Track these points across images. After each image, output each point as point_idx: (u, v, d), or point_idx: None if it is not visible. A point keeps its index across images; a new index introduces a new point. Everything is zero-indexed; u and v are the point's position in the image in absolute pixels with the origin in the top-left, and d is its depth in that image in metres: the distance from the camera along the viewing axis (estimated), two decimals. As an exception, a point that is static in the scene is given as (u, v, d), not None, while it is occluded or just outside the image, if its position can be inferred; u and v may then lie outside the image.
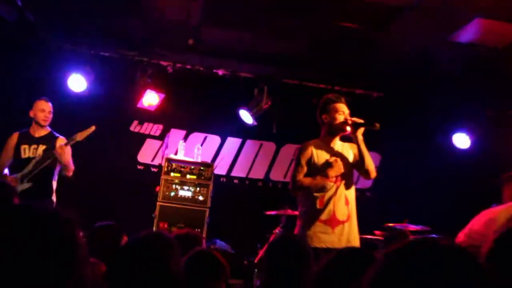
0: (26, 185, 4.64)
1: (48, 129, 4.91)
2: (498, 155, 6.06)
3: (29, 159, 4.73)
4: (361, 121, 3.75)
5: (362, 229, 3.98)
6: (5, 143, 4.87)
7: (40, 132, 4.86)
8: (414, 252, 1.05)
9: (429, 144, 6.97)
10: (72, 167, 4.74)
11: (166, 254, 1.89)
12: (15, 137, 4.86)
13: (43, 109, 4.87)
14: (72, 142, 4.65)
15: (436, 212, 6.37)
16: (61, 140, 4.85)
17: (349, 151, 3.88)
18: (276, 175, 7.38)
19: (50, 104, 4.92)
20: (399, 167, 7.25)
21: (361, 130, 3.75)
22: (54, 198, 4.82)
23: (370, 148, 7.08)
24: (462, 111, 6.68)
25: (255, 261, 5.73)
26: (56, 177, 4.84)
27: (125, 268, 1.80)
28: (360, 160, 3.74)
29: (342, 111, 3.79)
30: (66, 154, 4.63)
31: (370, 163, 3.74)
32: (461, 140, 6.70)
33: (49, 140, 4.85)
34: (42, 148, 4.79)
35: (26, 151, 4.78)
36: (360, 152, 3.72)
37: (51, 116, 4.90)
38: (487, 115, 6.59)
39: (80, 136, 4.65)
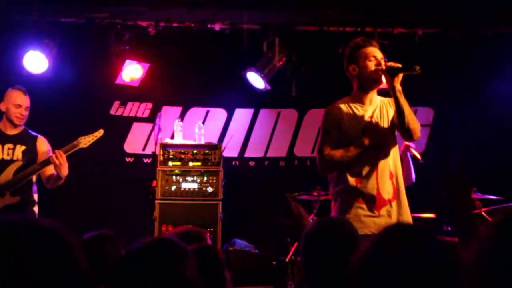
0: (10, 200, 4.65)
1: (23, 126, 4.88)
2: None
3: (3, 162, 4.73)
4: (398, 65, 3.65)
5: (414, 206, 3.94)
6: None
7: (13, 130, 4.84)
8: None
9: (491, 86, 6.93)
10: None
11: (179, 266, 1.86)
12: None
13: (19, 104, 4.79)
14: (74, 150, 4.64)
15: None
16: (42, 141, 4.85)
17: (390, 109, 3.82)
18: (302, 150, 7.35)
19: (27, 98, 4.83)
20: (459, 122, 7.19)
21: (399, 78, 3.67)
22: (36, 209, 4.88)
23: (420, 102, 7.19)
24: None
25: (287, 259, 5.75)
26: (36, 188, 4.86)
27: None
28: (398, 116, 3.67)
29: (374, 57, 3.72)
30: (66, 165, 4.61)
31: (413, 121, 3.66)
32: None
33: (27, 140, 4.83)
34: (20, 149, 4.77)
35: None
36: (399, 106, 3.64)
37: (27, 113, 4.83)
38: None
39: (85, 142, 4.65)
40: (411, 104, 7.20)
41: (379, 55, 3.74)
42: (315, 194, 5.92)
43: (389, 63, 3.66)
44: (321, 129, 3.83)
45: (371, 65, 3.71)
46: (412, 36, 6.80)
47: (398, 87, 3.64)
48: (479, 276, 1.07)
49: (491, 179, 6.37)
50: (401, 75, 3.66)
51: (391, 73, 3.64)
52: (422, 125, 7.29)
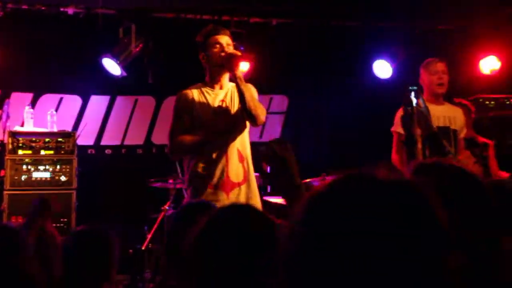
0: None
1: None
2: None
3: None
4: (237, 53, 3.82)
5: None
6: None
7: None
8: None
9: (347, 78, 7.26)
10: None
11: (14, 252, 1.81)
12: None
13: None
14: None
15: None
16: None
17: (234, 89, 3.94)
18: (160, 138, 7.33)
19: None
20: (313, 110, 7.50)
21: (238, 65, 3.81)
22: None
23: (275, 90, 7.40)
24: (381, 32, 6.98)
25: (143, 248, 5.72)
26: None
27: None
28: (241, 102, 3.80)
29: (220, 44, 3.83)
30: None
31: (255, 107, 3.80)
32: (383, 68, 6.99)
33: None
34: None
35: None
36: (240, 92, 3.78)
37: None
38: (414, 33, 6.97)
39: None
40: (267, 92, 7.46)
41: (225, 41, 3.85)
42: (171, 181, 5.92)
43: (229, 51, 3.79)
44: (172, 113, 3.88)
45: (216, 52, 3.81)
46: (267, 26, 6.98)
47: (238, 73, 3.78)
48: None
49: (342, 167, 6.68)
50: (240, 63, 3.79)
51: (229, 60, 3.75)
52: (277, 113, 7.66)
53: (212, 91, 3.88)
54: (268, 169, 4.65)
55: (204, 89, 3.89)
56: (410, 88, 3.26)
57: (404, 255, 0.84)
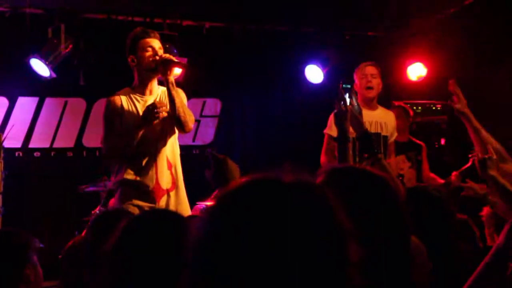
0: None
1: None
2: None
3: None
4: (172, 58, 3.83)
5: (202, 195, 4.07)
6: None
7: None
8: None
9: (279, 82, 7.35)
10: None
11: None
12: None
13: None
14: None
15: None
16: None
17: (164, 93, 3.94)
18: (90, 140, 7.22)
19: None
20: (245, 114, 7.56)
21: (172, 70, 3.83)
22: None
23: (208, 94, 7.42)
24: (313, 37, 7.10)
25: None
26: None
27: None
28: (170, 107, 3.80)
29: (151, 47, 3.82)
30: None
31: (184, 113, 3.81)
32: (314, 73, 7.10)
33: None
34: None
35: None
36: (171, 97, 3.80)
37: None
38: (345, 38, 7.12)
39: None
40: (200, 95, 7.46)
41: (158, 45, 3.84)
42: (102, 184, 5.85)
43: (164, 55, 3.78)
44: (102, 119, 3.84)
45: (148, 56, 3.78)
46: (200, 29, 6.99)
47: (170, 79, 3.79)
48: None
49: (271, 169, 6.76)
50: (174, 68, 3.81)
51: (164, 65, 3.75)
52: (210, 116, 7.66)
53: (141, 97, 3.87)
54: (209, 176, 4.68)
55: (133, 96, 3.86)
56: (343, 86, 3.31)
57: (306, 255, 0.88)
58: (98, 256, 2.53)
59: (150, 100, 3.86)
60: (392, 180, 1.54)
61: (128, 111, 3.80)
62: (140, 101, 3.85)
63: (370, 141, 3.17)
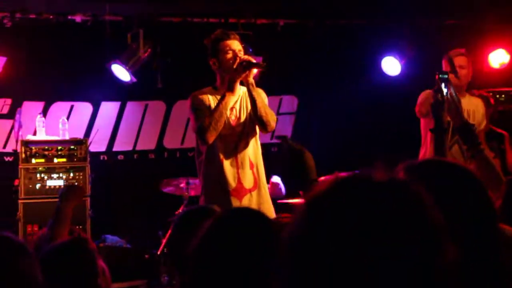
0: None
1: None
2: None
3: None
4: (251, 59, 3.83)
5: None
6: None
7: None
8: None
9: (355, 76, 7.27)
10: None
11: (15, 262, 1.84)
12: None
13: None
14: None
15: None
16: None
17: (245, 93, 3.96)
18: (171, 142, 7.37)
19: None
20: (322, 110, 7.51)
21: (251, 71, 3.83)
22: None
23: (285, 91, 7.42)
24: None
25: (158, 252, 5.75)
26: None
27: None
28: (252, 108, 3.82)
29: (232, 50, 3.83)
30: None
31: (265, 113, 3.82)
32: (391, 65, 6.98)
33: None
34: None
35: None
36: (252, 98, 3.81)
37: None
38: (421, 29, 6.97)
39: None
40: (276, 93, 7.47)
41: (238, 47, 3.85)
42: (183, 186, 5.95)
43: (243, 57, 3.78)
44: (190, 112, 3.89)
45: (229, 58, 3.81)
46: (274, 27, 7.00)
47: (250, 80, 3.79)
48: None
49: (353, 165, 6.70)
50: (254, 70, 3.80)
51: (245, 67, 3.76)
52: (287, 113, 7.67)
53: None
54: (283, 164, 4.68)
55: (216, 96, 3.89)
56: (440, 76, 3.21)
57: (401, 257, 0.86)
58: (183, 255, 2.58)
59: (231, 100, 3.89)
60: (498, 175, 1.50)
61: (215, 104, 3.85)
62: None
63: (471, 132, 3.05)
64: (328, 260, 0.88)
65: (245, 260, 1.51)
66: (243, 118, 3.88)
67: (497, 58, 6.89)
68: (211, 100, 3.86)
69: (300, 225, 0.95)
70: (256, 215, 1.72)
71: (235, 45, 3.85)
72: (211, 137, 3.76)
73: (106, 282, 2.47)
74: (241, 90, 3.95)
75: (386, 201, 0.91)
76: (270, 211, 3.88)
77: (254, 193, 3.85)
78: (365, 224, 0.88)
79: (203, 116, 3.78)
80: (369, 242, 0.87)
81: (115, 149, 7.23)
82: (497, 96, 6.32)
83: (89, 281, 2.42)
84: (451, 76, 4.53)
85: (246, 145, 3.87)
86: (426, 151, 4.77)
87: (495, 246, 1.38)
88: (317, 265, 0.89)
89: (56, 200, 5.74)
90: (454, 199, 1.37)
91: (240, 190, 3.80)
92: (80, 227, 5.77)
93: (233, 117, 3.87)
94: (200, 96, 3.88)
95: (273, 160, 4.98)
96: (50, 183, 5.99)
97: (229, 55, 3.81)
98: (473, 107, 4.90)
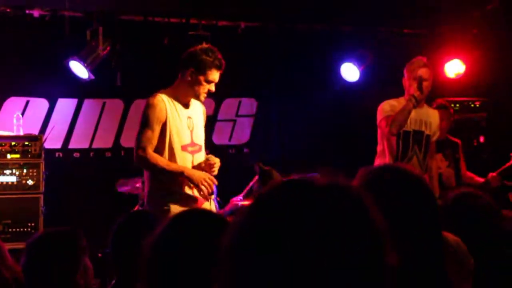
0: None
1: None
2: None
3: None
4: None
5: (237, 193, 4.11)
6: None
7: None
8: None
9: (314, 81, 7.34)
10: None
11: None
12: None
13: None
14: None
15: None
16: None
17: (201, 109, 4.05)
18: (128, 141, 7.27)
19: None
20: (281, 113, 7.57)
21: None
22: None
23: (244, 94, 7.44)
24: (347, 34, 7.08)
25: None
26: None
27: None
28: None
29: (214, 83, 3.95)
30: None
31: None
32: (350, 71, 7.06)
33: None
34: None
35: None
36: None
37: None
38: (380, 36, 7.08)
39: None
40: (236, 95, 7.49)
41: (217, 79, 3.95)
42: (139, 185, 5.92)
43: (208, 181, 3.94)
44: (143, 117, 3.88)
45: (205, 88, 3.93)
46: (235, 29, 7.02)
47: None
48: None
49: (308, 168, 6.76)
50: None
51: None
52: (246, 116, 7.69)
53: (184, 101, 3.98)
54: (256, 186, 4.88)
55: (176, 97, 3.95)
56: None
57: (342, 259, 0.88)
58: (123, 259, 2.56)
59: (189, 108, 4.03)
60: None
61: (172, 113, 3.92)
62: (183, 111, 4.00)
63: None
64: (269, 259, 0.89)
65: (199, 261, 1.51)
66: (197, 129, 4.14)
67: (453, 68, 7.04)
68: (168, 109, 3.91)
69: (244, 223, 0.97)
70: (212, 215, 1.73)
71: (217, 78, 3.92)
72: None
73: (86, 280, 2.46)
74: (197, 102, 4.10)
75: (322, 204, 0.93)
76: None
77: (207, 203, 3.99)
78: (304, 225, 0.90)
79: (149, 139, 3.88)
80: (308, 244, 0.88)
81: (71, 146, 7.14)
82: (452, 105, 6.46)
83: (67, 275, 2.41)
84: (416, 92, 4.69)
85: (202, 157, 4.14)
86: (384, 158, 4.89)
87: (440, 252, 1.42)
88: (258, 262, 0.90)
89: (9, 196, 5.73)
90: (404, 205, 1.40)
91: (196, 200, 3.93)
92: (33, 224, 5.72)
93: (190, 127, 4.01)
94: (157, 106, 3.89)
95: (230, 162, 5.04)
96: (2, 179, 5.88)
97: (208, 86, 3.88)
98: (429, 119, 5.06)
